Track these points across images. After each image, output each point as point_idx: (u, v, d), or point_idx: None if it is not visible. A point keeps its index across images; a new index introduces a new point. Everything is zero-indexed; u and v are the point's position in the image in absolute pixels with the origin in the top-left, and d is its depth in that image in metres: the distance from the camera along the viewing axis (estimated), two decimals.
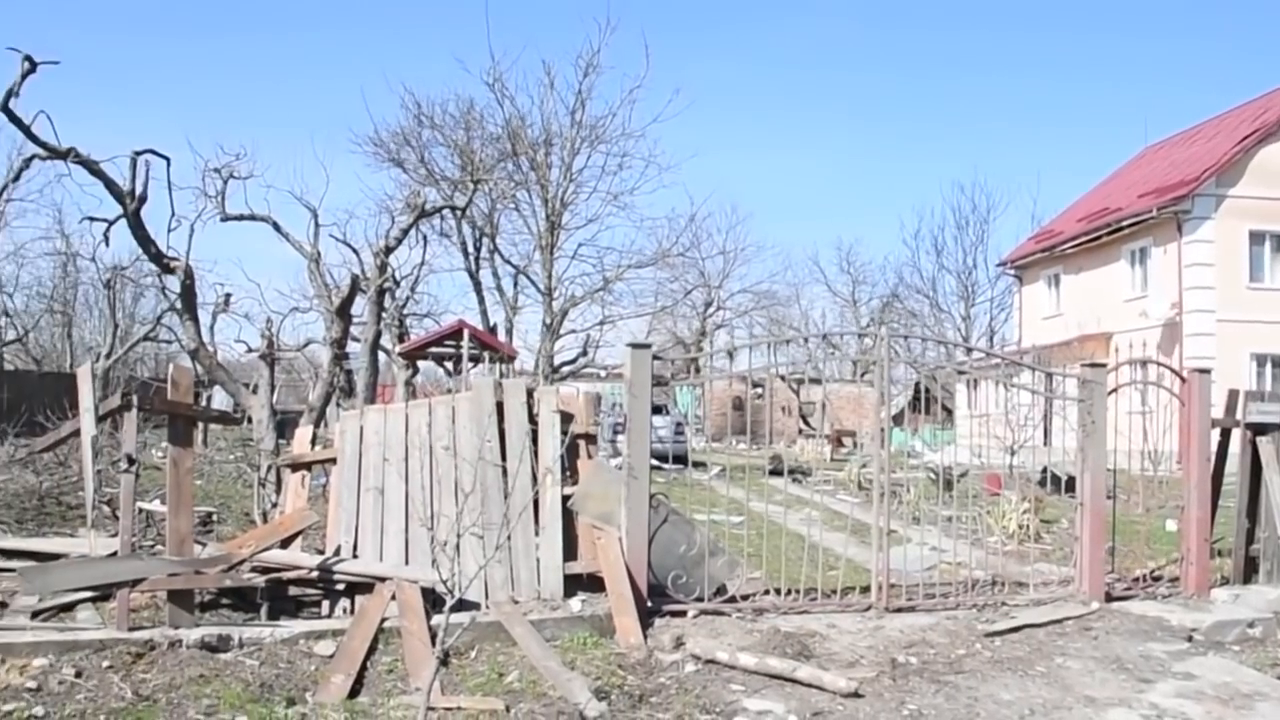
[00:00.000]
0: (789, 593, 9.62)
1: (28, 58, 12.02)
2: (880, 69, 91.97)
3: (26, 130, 12.45)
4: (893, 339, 10.22)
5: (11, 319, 39.67)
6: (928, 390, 14.77)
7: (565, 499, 9.32)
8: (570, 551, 9.21)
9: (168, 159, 13.77)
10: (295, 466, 9.99)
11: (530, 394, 9.69)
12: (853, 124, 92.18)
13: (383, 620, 7.80)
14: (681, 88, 52.59)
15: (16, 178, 14.42)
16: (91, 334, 47.30)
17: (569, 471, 9.60)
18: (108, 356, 31.48)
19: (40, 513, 14.02)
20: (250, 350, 23.89)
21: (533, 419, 9.55)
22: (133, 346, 36.15)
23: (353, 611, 8.32)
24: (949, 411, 37.57)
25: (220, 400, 27.70)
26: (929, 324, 54.64)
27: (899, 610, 9.61)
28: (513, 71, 63.22)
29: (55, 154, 12.68)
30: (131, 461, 7.52)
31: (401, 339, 30.75)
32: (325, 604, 8.64)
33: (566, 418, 9.65)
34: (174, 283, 23.32)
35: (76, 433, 8.08)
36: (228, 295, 22.91)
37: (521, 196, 34.13)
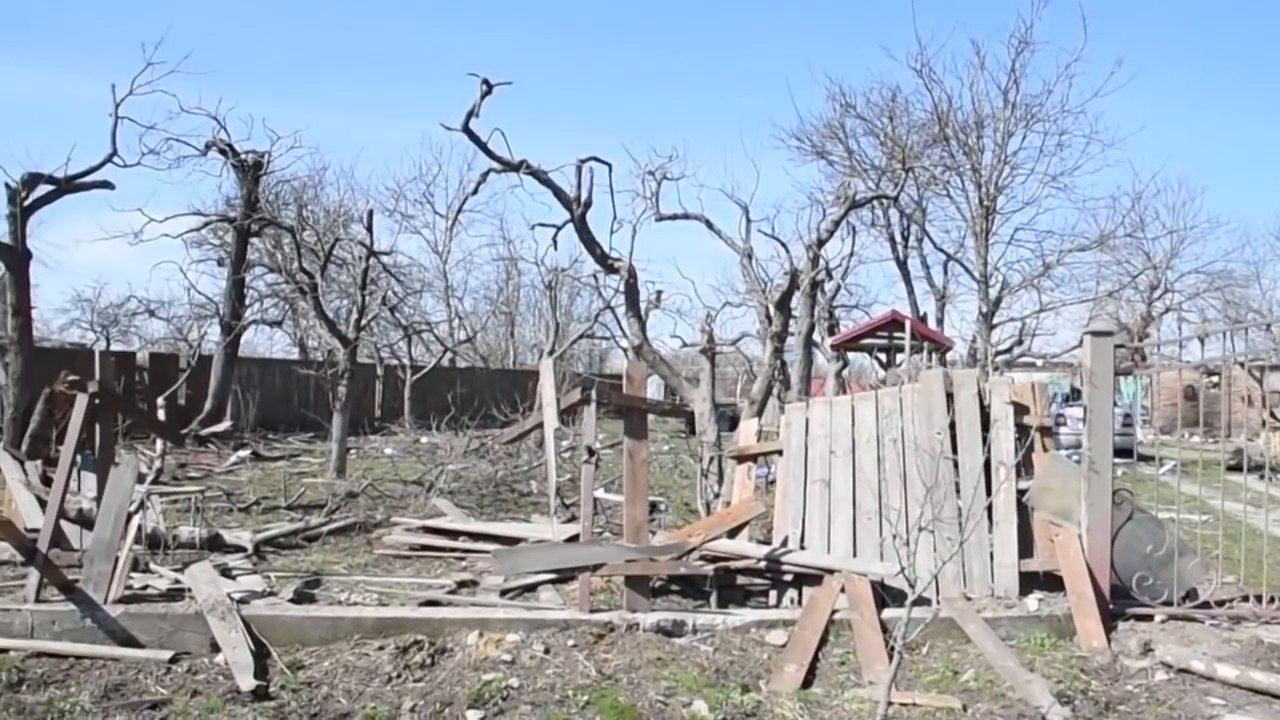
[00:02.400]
0: (1271, 600, 8.91)
1: (485, 81, 13.12)
2: None
3: (484, 147, 13.59)
4: None
5: (462, 320, 43.32)
6: None
7: (1020, 493, 9.09)
8: (1025, 548, 8.97)
9: (609, 165, 14.66)
10: (741, 458, 10.34)
11: (980, 385, 9.54)
12: None
13: (832, 612, 7.94)
14: (1124, 58, 49.28)
15: (475, 191, 15.71)
16: (531, 332, 50.90)
17: (1023, 465, 9.37)
18: (550, 353, 33.73)
19: (496, 499, 15.28)
20: (685, 345, 24.84)
21: (983, 410, 9.40)
22: (573, 343, 38.56)
23: (800, 602, 8.52)
24: None
25: (650, 393, 28.97)
26: None
27: None
28: (940, 55, 61.88)
29: (509, 167, 13.76)
30: (591, 453, 8.07)
31: (831, 331, 30.98)
32: (772, 594, 8.88)
33: (1019, 409, 9.42)
34: (609, 282, 24.72)
35: (539, 425, 8.74)
36: (659, 292, 23.93)
37: (952, 182, 33.50)
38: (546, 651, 7.17)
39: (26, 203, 18.44)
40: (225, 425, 23.81)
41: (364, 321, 20.74)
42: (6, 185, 18.52)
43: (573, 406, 8.47)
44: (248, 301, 29.66)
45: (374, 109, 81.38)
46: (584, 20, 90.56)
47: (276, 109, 76.21)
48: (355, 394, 19.76)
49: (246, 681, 6.58)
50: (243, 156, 25.28)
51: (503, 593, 8.79)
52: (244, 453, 21.59)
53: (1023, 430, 9.40)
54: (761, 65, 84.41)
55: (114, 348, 32.64)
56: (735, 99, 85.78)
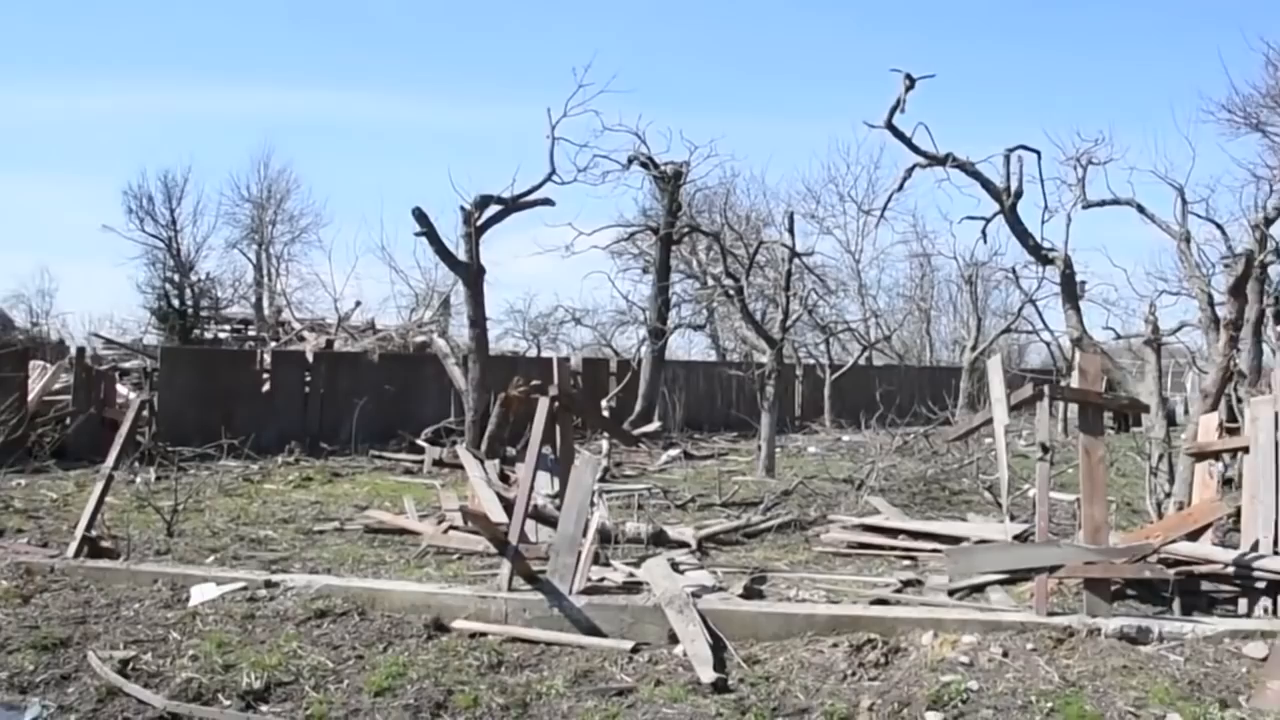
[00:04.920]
0: None
1: (907, 75, 13.00)
2: None
3: (909, 142, 13.46)
4: None
5: (878, 318, 42.94)
6: None
7: None
8: None
9: (1038, 153, 14.19)
10: (1200, 455, 9.68)
11: None
12: None
13: None
14: None
15: (900, 187, 15.48)
16: (946, 328, 49.83)
17: None
18: (972, 349, 32.95)
19: (927, 496, 15.05)
20: (1118, 337, 23.62)
21: None
22: (995, 339, 37.48)
23: (1276, 612, 7.86)
24: None
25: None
26: None
27: None
28: None
29: (935, 161, 13.57)
30: (1046, 450, 7.80)
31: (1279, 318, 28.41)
32: (1241, 602, 8.23)
33: None
34: (1027, 274, 23.70)
35: (987, 422, 8.54)
36: (1081, 282, 22.87)
37: None
38: (1005, 654, 6.95)
39: (479, 223, 20.01)
40: (654, 425, 24.81)
41: (788, 323, 21.03)
42: (461, 208, 20.20)
43: (1027, 403, 8.21)
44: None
45: (782, 113, 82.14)
46: (997, 12, 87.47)
47: (693, 119, 78.50)
48: (778, 393, 20.07)
49: (706, 673, 6.79)
50: (663, 168, 26.20)
51: (950, 592, 8.64)
52: (674, 451, 22.36)
53: None
54: (1191, 35, 78.55)
55: (544, 354, 34.78)
56: (1165, 73, 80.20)
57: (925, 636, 7.19)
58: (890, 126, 13.37)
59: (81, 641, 7.88)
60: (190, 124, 69.66)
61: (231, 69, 75.44)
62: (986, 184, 13.75)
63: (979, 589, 8.75)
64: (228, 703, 6.84)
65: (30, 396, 19.36)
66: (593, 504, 9.55)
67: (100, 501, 10.39)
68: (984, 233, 15.82)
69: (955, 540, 10.41)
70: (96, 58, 74.40)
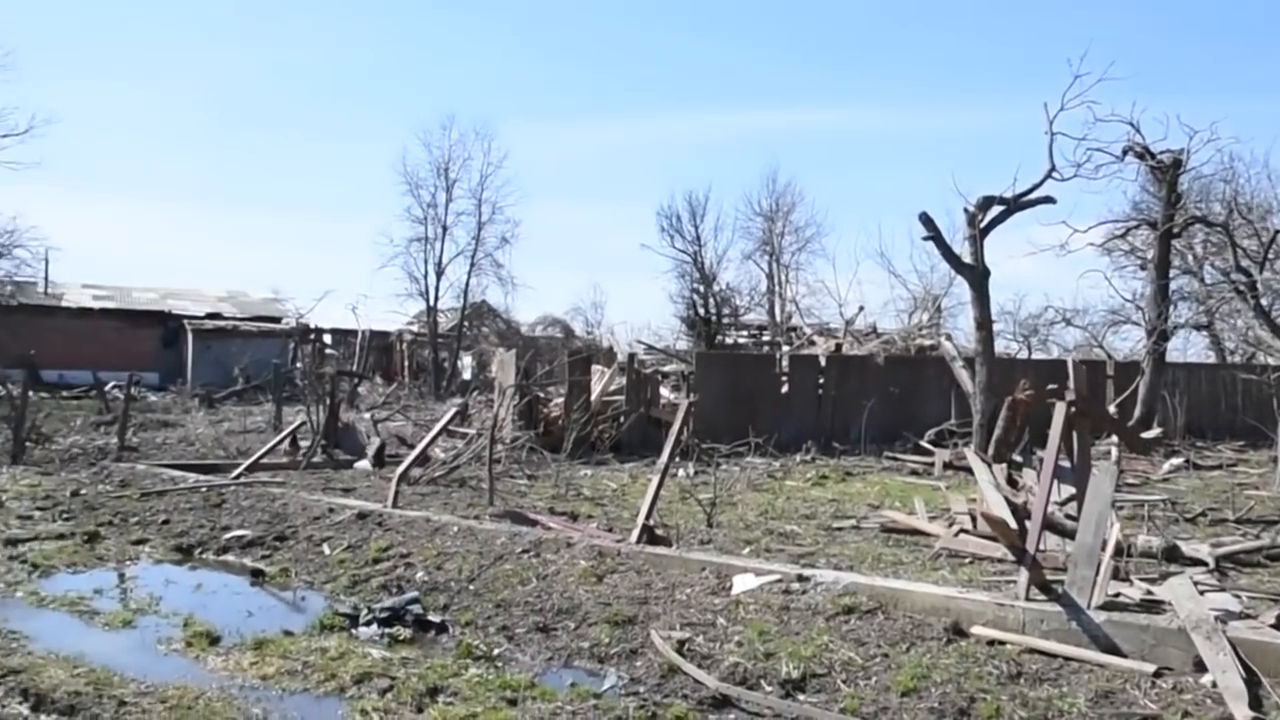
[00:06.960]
0: None
1: None
2: None
3: None
4: None
5: None
6: None
7: None
8: None
9: None
10: None
11: None
12: None
13: None
14: None
15: None
16: None
17: None
18: None
19: None
20: None
21: None
22: None
23: None
24: None
25: None
26: None
27: None
28: None
29: None
30: None
31: None
32: None
33: None
34: None
35: None
36: None
37: None
38: None
39: (982, 224, 19.37)
40: (1155, 432, 22.88)
41: None
42: (965, 210, 19.67)
43: None
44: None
45: None
46: None
47: (1189, 103, 70.91)
48: None
49: (1241, 710, 6.10)
50: (1159, 157, 23.93)
51: None
52: (1177, 460, 20.50)
53: None
54: None
55: (1034, 356, 33.22)
56: None
57: None
58: None
59: (644, 620, 8.44)
60: (710, 148, 73.89)
61: (743, 95, 78.82)
62: None
63: None
64: (769, 689, 7.04)
65: (593, 397, 21.02)
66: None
67: (656, 494, 11.06)
68: None
69: None
70: (625, 97, 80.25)
